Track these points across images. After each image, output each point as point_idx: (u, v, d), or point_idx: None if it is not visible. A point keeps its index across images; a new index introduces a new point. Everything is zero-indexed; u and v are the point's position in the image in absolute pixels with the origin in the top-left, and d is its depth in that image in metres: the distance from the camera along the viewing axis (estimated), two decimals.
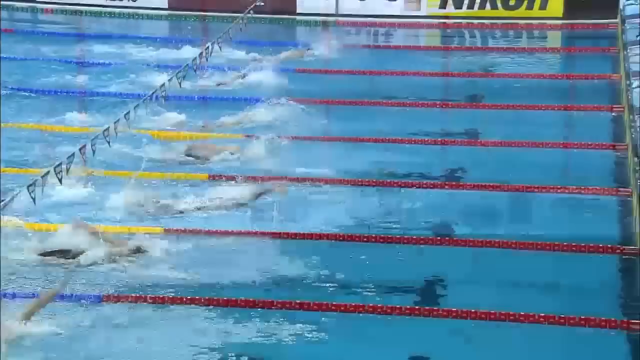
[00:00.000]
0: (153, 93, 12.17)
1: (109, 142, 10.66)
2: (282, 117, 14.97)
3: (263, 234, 11.00)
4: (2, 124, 13.50)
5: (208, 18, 21.93)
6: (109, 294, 9.56)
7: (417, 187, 12.43)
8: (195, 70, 13.61)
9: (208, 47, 13.97)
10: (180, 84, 12.77)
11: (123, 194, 11.47)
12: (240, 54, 18.20)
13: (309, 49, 18.61)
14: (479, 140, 14.27)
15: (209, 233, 10.99)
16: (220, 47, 14.66)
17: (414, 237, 10.96)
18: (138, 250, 10.32)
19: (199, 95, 15.77)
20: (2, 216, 9.49)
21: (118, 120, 10.96)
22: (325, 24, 21.44)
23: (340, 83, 16.99)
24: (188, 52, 17.57)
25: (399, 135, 14.28)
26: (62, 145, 12.99)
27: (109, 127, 10.74)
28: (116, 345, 8.69)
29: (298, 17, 22.03)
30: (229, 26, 15.71)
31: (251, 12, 16.92)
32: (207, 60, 14.12)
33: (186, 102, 15.41)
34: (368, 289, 9.91)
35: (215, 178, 12.58)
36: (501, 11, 21.54)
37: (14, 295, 9.32)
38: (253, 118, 14.92)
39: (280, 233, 10.99)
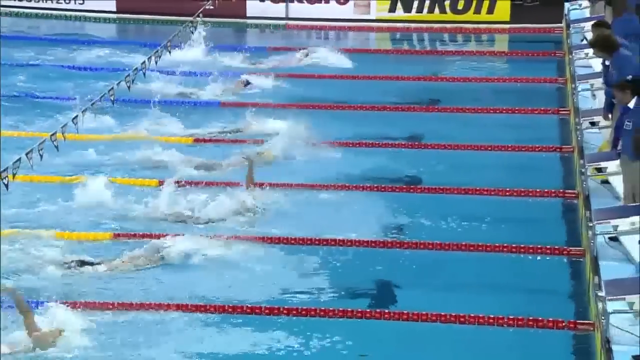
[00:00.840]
0: (102, 96, 12.10)
1: (57, 147, 10.58)
2: (233, 122, 15.00)
3: (217, 237, 10.98)
4: None
5: (157, 21, 21.83)
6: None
7: (367, 190, 12.49)
8: (144, 74, 13.52)
9: (158, 51, 13.91)
10: (129, 87, 12.68)
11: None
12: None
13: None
14: (427, 144, 14.36)
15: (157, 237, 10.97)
16: (169, 52, 14.61)
17: (365, 240, 11.02)
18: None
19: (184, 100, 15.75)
20: None
21: (66, 124, 10.89)
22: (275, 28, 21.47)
23: (291, 87, 17.01)
24: (137, 56, 17.47)
25: (349, 138, 14.33)
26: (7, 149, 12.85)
27: (55, 132, 10.66)
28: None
29: (248, 21, 22.03)
30: (177, 29, 15.64)
31: (200, 15, 16.85)
32: (156, 63, 14.05)
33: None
34: (320, 292, 9.96)
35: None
36: (449, 15, 21.72)
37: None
38: (203, 123, 14.92)
39: (232, 237, 10.97)
